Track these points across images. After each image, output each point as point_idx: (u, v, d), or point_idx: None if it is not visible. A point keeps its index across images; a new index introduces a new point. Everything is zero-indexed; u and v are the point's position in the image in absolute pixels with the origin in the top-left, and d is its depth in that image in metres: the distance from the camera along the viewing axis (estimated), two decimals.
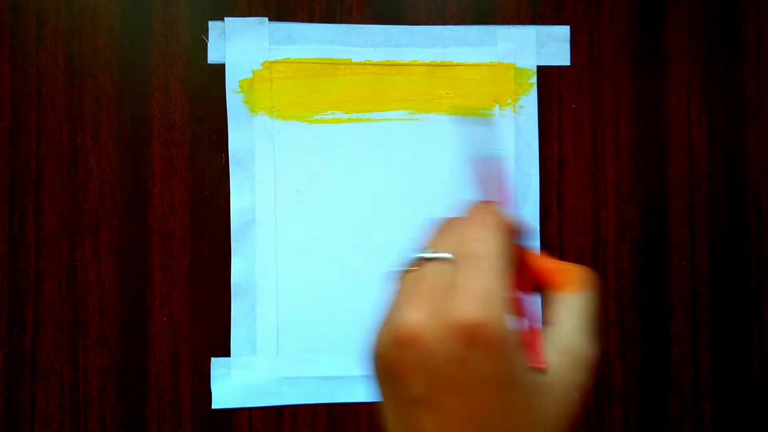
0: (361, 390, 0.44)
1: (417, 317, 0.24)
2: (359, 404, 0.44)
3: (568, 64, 0.45)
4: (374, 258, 0.45)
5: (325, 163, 0.45)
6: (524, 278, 0.28)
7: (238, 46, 0.45)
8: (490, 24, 0.45)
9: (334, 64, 0.45)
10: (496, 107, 0.45)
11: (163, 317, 0.44)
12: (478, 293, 0.23)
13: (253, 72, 0.45)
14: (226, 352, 0.44)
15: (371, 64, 0.45)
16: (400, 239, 0.44)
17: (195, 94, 0.45)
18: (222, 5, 0.45)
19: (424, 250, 0.26)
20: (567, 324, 0.26)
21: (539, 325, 0.26)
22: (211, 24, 0.45)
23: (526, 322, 0.27)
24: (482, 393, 0.23)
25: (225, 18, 0.45)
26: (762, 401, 0.45)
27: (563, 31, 0.45)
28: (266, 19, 0.45)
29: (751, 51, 0.46)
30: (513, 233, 0.26)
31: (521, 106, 0.45)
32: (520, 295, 0.27)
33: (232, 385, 0.44)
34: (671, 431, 0.45)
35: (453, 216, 0.27)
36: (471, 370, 0.23)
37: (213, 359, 0.44)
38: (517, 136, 0.45)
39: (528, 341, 0.25)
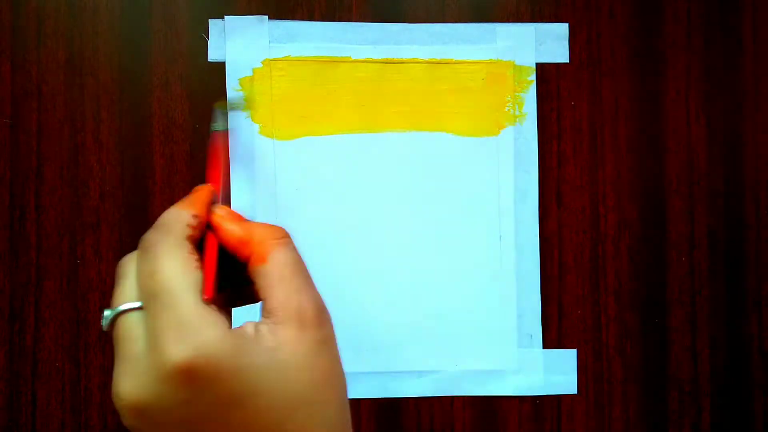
0: (361, 386, 0.44)
1: (127, 387, 0.23)
2: (359, 400, 0.45)
3: (567, 61, 0.46)
4: (375, 255, 0.45)
5: (325, 160, 0.45)
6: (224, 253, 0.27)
7: (239, 44, 0.45)
8: (489, 21, 0.45)
9: (334, 61, 0.45)
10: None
11: None
12: (173, 332, 0.23)
13: (253, 70, 0.45)
14: None
15: (371, 62, 0.45)
16: (402, 236, 0.45)
17: (195, 92, 0.45)
18: (222, 3, 0.45)
19: (117, 302, 0.25)
20: (275, 294, 0.26)
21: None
22: (212, 22, 0.45)
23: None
24: (231, 415, 0.23)
25: (225, 16, 0.45)
26: (761, 397, 0.46)
27: (562, 29, 0.46)
28: (266, 17, 0.45)
29: (750, 48, 0.46)
30: (199, 226, 0.27)
31: (520, 104, 0.45)
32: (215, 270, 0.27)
33: None
34: (670, 427, 0.45)
35: (132, 253, 0.26)
36: (206, 403, 0.23)
37: None
38: (516, 133, 0.45)
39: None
